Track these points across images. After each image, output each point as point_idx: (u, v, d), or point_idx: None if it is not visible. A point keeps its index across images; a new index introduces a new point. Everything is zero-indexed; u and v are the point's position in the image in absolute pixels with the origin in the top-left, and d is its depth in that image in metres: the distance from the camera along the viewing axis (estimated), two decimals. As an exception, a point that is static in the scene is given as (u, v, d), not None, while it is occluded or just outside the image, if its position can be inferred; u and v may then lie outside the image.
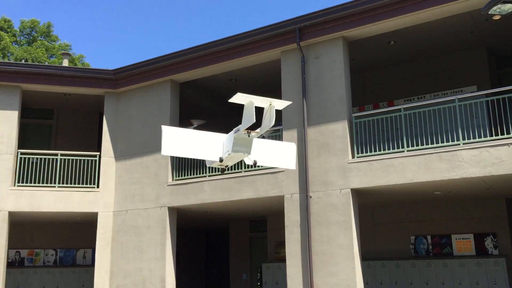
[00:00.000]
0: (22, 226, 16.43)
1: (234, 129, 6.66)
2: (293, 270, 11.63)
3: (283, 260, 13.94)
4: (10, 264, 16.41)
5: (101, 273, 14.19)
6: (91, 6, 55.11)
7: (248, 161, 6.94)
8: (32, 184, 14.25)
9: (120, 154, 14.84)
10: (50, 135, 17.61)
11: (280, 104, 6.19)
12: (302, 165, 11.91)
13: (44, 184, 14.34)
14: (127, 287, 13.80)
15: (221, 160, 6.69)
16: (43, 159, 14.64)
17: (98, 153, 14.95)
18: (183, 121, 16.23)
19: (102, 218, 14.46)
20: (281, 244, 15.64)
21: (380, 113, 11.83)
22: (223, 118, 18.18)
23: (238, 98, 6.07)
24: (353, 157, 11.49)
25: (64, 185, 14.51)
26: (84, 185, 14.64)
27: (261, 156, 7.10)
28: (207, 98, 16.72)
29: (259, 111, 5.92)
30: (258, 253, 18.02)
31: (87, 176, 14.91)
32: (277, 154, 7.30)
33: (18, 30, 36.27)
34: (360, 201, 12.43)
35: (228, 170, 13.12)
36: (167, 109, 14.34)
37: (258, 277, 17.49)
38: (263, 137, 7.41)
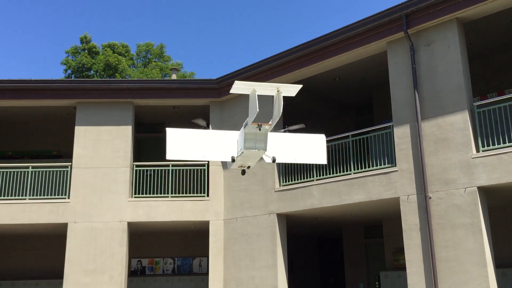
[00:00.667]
0: (142, 235, 17.19)
1: (244, 124, 5.98)
2: (415, 279, 10.57)
3: (403, 268, 12.85)
4: (132, 273, 17.25)
5: (215, 281, 14.24)
6: (198, 25, 57.72)
7: (267, 158, 6.20)
8: (148, 195, 14.80)
9: (227, 162, 14.83)
10: (163, 147, 18.23)
11: (290, 89, 5.42)
12: (418, 163, 10.86)
13: (158, 195, 14.82)
14: (241, 296, 13.67)
15: (233, 160, 6.01)
16: (156, 170, 15.17)
17: (206, 162, 15.13)
18: (288, 125, 15.86)
19: (214, 226, 14.55)
20: (400, 250, 14.51)
21: (507, 100, 10.40)
22: (328, 120, 17.54)
23: (238, 87, 5.37)
24: (477, 151, 10.20)
25: (177, 195, 14.88)
26: (195, 194, 14.87)
27: (287, 152, 6.37)
28: (310, 100, 16.20)
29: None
30: (375, 261, 16.96)
31: (198, 185, 15.15)
32: (305, 148, 6.49)
33: (135, 54, 38.97)
34: (489, 201, 11.01)
35: (336, 172, 12.47)
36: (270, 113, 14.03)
37: (376, 286, 16.42)
38: (288, 131, 6.81)
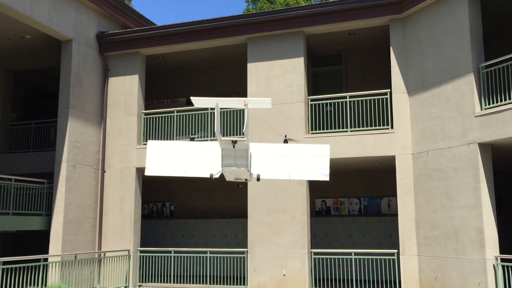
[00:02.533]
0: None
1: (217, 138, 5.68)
2: None
3: None
4: (317, 213, 16.67)
5: (406, 222, 12.68)
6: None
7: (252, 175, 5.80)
8: (325, 131, 13.74)
9: (413, 88, 12.79)
10: (341, 80, 16.91)
11: (259, 103, 5.42)
12: None
13: (336, 130, 13.65)
14: (437, 239, 11.86)
15: (211, 178, 5.67)
16: (333, 103, 13.97)
17: (388, 90, 13.29)
18: (492, 39, 12.98)
19: (400, 161, 12.84)
20: None
21: None
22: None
23: (199, 102, 5.27)
24: None
25: (356, 128, 13.50)
26: (377, 127, 13.29)
27: (281, 166, 5.75)
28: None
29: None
30: None
31: (380, 116, 13.51)
32: (305, 161, 5.76)
33: (311, -8, 37.66)
34: None
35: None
36: (465, 25, 11.46)
37: None
38: (286, 142, 6.15)
